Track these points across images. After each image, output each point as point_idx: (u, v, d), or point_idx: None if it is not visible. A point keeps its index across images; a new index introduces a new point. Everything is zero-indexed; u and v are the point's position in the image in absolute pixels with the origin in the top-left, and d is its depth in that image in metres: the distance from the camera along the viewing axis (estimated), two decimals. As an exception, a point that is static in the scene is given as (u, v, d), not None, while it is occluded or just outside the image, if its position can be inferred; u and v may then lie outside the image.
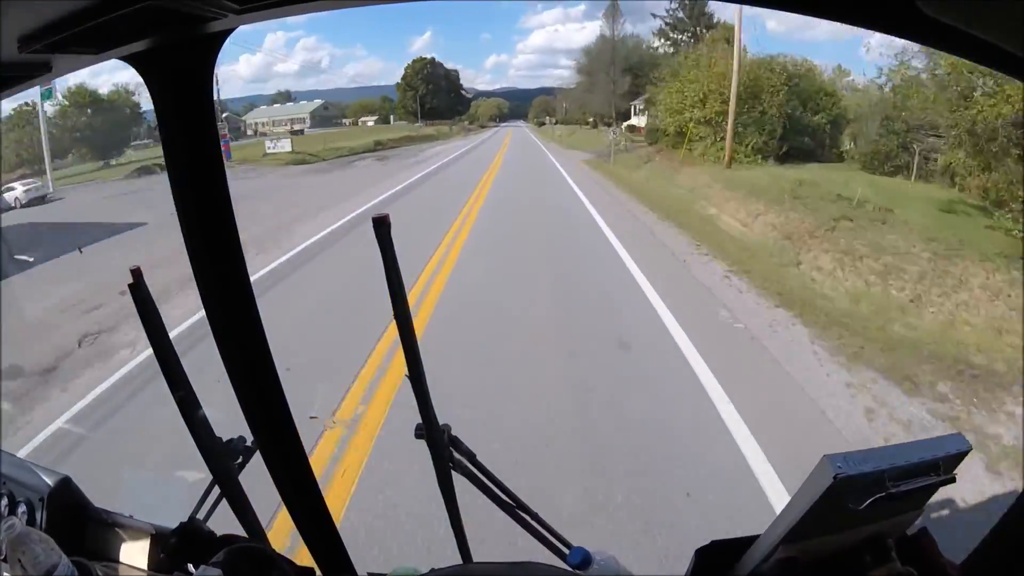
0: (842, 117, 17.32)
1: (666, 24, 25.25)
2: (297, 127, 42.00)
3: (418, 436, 0.96)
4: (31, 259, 8.70)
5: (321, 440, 3.50)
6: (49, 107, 23.71)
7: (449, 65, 53.16)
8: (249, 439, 1.03)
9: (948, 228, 8.65)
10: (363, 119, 50.14)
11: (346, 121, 48.91)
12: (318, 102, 48.07)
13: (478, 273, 7.25)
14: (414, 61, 52.29)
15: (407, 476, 2.94)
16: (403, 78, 52.72)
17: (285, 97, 48.03)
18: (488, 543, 2.07)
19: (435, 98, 50.51)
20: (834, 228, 8.62)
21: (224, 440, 1.03)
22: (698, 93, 17.17)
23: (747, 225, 10.11)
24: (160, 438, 3.14)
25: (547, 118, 44.92)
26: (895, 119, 13.66)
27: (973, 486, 2.92)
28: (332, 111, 48.55)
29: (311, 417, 3.73)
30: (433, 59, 52.12)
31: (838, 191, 10.64)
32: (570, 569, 0.91)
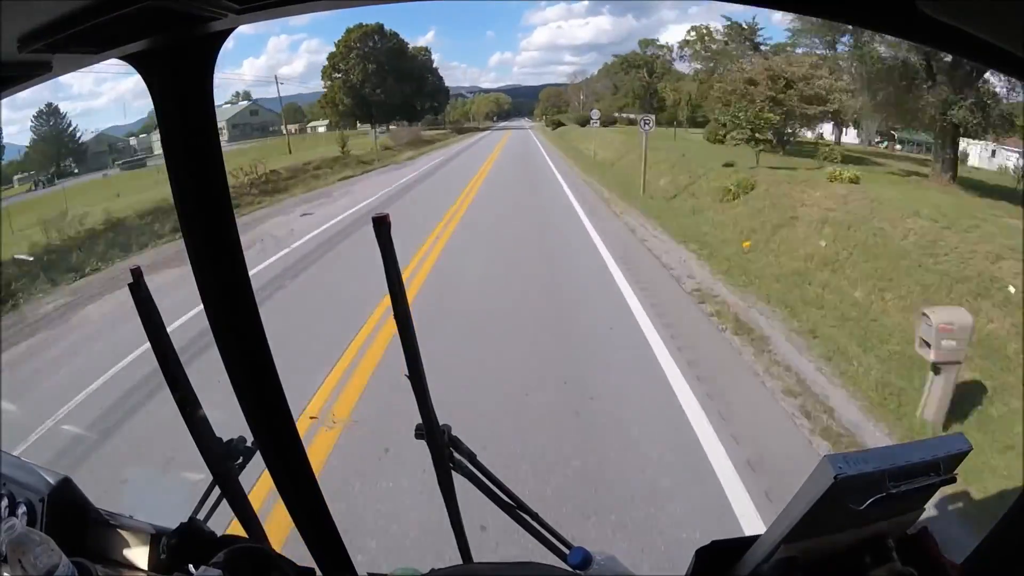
0: None
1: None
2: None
3: (418, 436, 0.96)
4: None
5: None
6: None
7: (401, 38, 34.05)
8: (249, 439, 1.03)
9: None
10: (313, 124, 35.15)
11: (291, 128, 33.40)
12: (244, 105, 34.65)
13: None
14: (349, 31, 32.65)
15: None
16: (330, 57, 32.50)
17: (246, 100, 35.54)
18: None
19: (382, 88, 31.75)
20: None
21: (224, 440, 1.03)
22: None
23: None
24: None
25: (594, 115, 21.55)
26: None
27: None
28: (265, 116, 34.83)
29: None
30: (381, 27, 32.85)
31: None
32: (570, 569, 0.91)
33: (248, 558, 0.86)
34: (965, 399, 3.78)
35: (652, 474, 3.08)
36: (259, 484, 1.70)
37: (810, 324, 5.33)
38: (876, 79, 11.03)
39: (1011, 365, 4.21)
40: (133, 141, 31.25)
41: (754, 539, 0.76)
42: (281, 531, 1.14)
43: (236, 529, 1.05)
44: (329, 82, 31.56)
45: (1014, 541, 0.77)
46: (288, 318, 5.84)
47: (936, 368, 3.52)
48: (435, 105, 37.56)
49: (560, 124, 30.16)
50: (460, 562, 1.05)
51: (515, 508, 0.99)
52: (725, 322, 5.37)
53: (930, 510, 0.84)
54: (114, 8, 0.62)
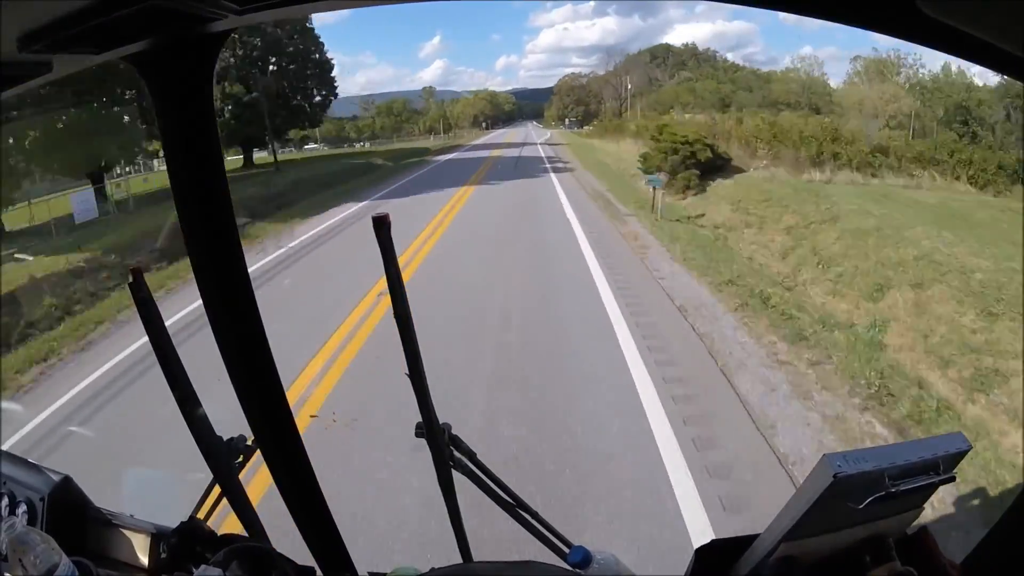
0: None
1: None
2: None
3: (418, 435, 0.96)
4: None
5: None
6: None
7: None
8: (249, 438, 1.03)
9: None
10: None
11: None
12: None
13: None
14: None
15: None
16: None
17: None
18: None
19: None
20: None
21: (224, 439, 1.03)
22: None
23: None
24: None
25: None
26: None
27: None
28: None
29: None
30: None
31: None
32: (570, 568, 0.91)
33: (248, 557, 0.86)
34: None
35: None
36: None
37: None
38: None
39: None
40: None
41: (754, 538, 0.76)
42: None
43: (236, 528, 1.05)
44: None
45: (1014, 541, 0.77)
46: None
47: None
48: (280, 114, 17.16)
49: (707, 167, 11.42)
50: (460, 561, 1.05)
51: (515, 507, 0.99)
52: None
53: (930, 509, 0.84)
54: (114, 8, 0.62)
